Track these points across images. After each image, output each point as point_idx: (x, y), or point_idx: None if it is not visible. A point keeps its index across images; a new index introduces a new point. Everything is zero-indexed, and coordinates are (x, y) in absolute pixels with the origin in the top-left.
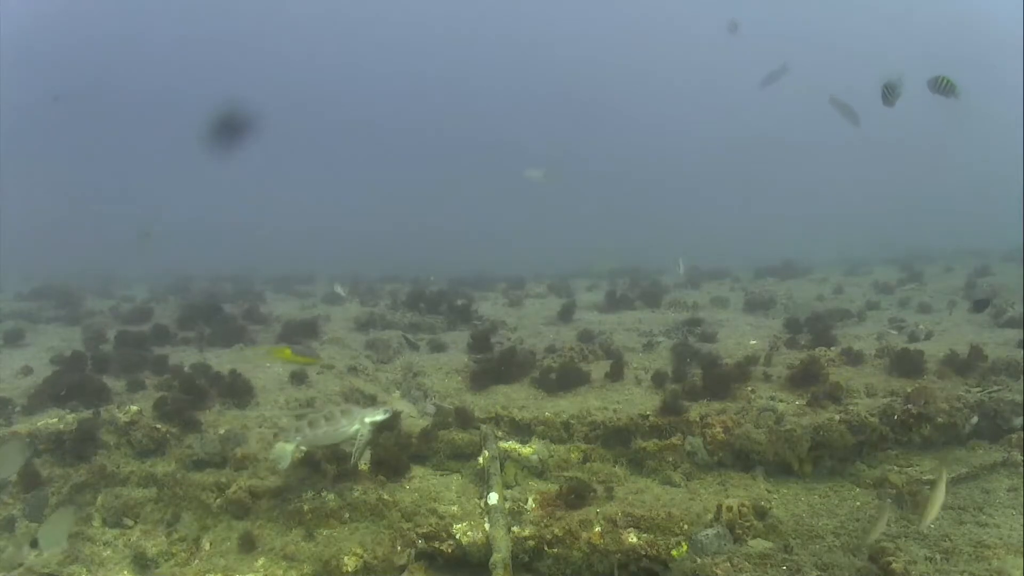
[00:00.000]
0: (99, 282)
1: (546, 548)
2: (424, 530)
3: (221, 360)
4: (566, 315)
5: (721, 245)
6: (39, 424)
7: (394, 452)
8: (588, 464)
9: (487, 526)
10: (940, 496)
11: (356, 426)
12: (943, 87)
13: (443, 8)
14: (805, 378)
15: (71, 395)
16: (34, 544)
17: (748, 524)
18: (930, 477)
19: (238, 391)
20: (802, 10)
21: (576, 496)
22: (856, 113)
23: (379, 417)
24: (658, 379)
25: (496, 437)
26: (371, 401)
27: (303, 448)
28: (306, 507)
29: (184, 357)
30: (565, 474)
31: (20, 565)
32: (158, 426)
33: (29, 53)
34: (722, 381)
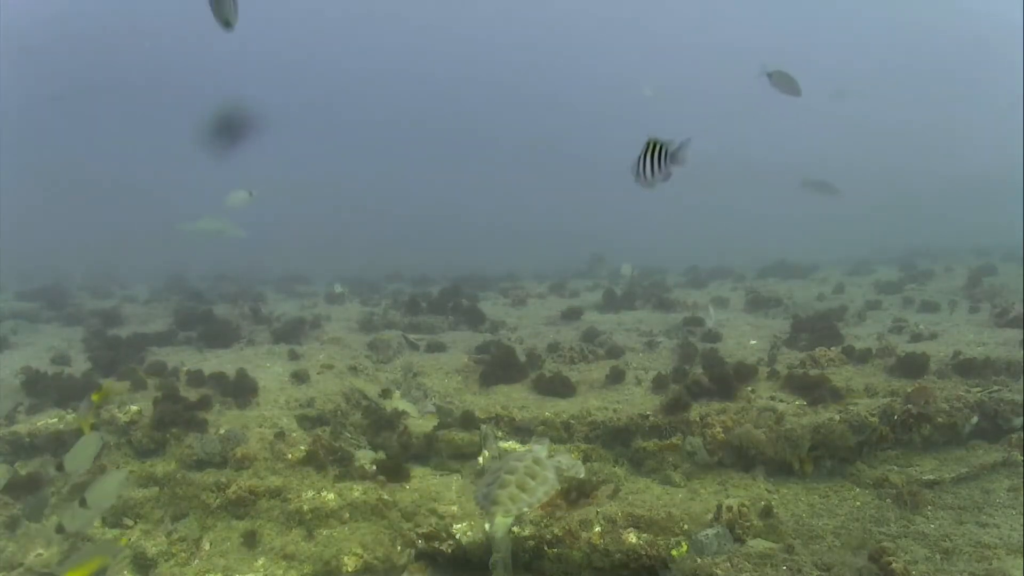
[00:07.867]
0: (99, 281)
1: (546, 548)
2: (424, 530)
3: (221, 360)
4: (567, 315)
5: (722, 245)
6: (39, 424)
7: (396, 452)
8: (588, 464)
9: (487, 526)
10: None
11: (555, 484)
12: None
13: (446, 8)
14: (805, 386)
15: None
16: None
17: (748, 524)
18: (930, 477)
19: (238, 391)
20: (801, 8)
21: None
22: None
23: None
24: (658, 379)
25: (496, 437)
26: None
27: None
28: (306, 507)
29: (184, 357)
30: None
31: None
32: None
33: (27, 49)
34: (722, 381)
